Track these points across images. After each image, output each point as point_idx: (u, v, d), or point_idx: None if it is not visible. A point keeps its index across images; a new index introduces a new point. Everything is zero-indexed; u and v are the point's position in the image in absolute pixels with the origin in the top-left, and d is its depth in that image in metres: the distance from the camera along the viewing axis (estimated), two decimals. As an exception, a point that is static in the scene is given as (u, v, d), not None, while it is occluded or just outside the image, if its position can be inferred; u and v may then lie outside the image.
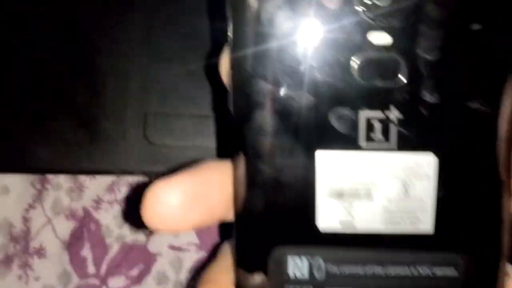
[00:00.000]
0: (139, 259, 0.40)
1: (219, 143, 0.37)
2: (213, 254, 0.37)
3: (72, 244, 0.40)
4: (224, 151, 0.37)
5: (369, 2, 0.17)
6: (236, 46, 0.18)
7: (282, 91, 0.18)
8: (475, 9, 0.17)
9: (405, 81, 0.18)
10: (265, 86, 0.18)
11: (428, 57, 0.17)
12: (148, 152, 0.37)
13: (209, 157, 0.37)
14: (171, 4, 0.37)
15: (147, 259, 0.39)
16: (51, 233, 0.40)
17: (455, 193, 0.18)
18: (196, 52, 0.37)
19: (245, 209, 0.19)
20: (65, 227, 0.40)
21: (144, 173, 0.38)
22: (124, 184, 0.40)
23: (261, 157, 0.18)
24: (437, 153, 0.18)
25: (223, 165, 0.19)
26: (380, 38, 0.18)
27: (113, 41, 0.37)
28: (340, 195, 0.18)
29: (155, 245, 0.40)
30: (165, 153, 0.37)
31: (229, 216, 0.19)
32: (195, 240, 0.40)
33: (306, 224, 0.18)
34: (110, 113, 0.37)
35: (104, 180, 0.40)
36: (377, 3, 0.17)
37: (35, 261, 0.39)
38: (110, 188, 0.40)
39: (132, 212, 0.40)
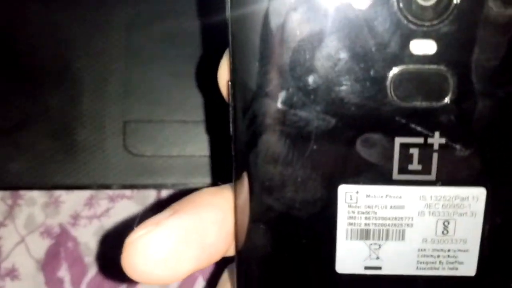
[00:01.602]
0: (121, 279, 0.36)
1: (211, 152, 0.34)
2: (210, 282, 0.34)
3: (48, 264, 0.37)
4: (218, 162, 0.34)
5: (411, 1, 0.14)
6: (238, 57, 0.15)
7: (297, 113, 0.15)
8: None
9: (452, 99, 0.14)
10: (274, 107, 0.14)
11: (482, 69, 0.14)
12: (129, 163, 0.34)
13: (199, 167, 0.34)
14: (153, 2, 0.34)
15: (131, 279, 0.36)
16: (25, 253, 0.37)
17: (505, 232, 0.15)
18: (180, 54, 0.34)
19: (248, 248, 0.16)
20: (40, 246, 0.37)
21: (125, 186, 0.35)
22: (104, 198, 0.37)
23: (270, 189, 0.15)
24: (487, 187, 0.15)
25: (220, 195, 0.16)
26: (423, 46, 0.14)
27: (90, 42, 0.34)
28: (366, 235, 0.15)
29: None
30: (148, 164, 0.34)
31: (231, 251, 0.17)
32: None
33: (323, 269, 0.16)
34: (87, 121, 0.34)
35: (82, 194, 0.37)
36: (421, 2, 0.14)
37: (7, 284, 0.37)
38: (89, 203, 0.37)
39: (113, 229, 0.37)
